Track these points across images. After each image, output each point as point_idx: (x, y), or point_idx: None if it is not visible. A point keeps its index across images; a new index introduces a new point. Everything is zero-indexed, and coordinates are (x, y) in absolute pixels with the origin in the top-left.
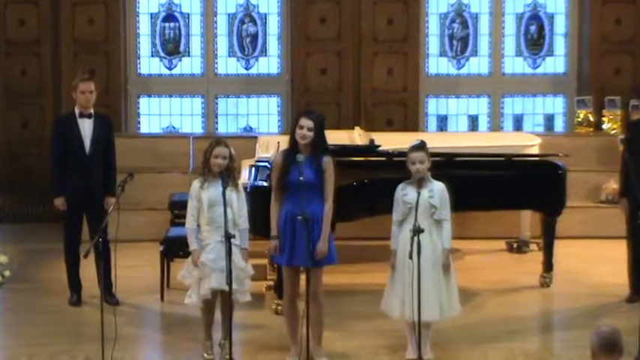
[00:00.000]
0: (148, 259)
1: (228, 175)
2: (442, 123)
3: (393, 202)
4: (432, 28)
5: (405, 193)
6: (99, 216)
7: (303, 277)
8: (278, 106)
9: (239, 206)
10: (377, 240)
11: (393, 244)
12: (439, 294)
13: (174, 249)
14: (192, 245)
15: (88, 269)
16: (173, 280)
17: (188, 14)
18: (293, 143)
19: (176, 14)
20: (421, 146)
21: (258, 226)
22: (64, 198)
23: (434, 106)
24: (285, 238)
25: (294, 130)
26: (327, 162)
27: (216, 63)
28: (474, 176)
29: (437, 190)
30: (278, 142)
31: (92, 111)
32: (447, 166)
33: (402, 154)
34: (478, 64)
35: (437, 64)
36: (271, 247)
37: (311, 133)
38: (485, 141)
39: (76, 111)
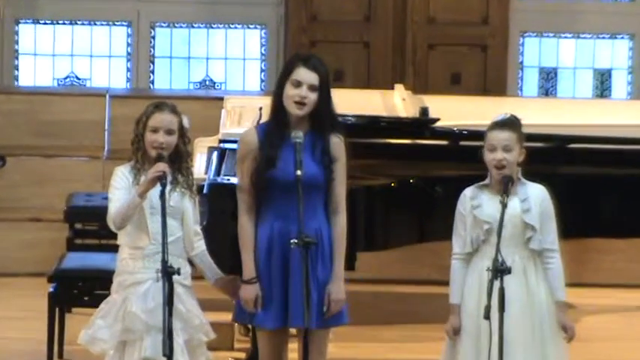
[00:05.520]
0: (27, 307)
1: (177, 166)
2: (548, 81)
3: (454, 220)
4: None
5: (479, 203)
6: None
7: (292, 345)
8: (262, 45)
9: (195, 219)
10: (419, 285)
11: (455, 294)
12: None
13: (74, 290)
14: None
15: None
16: (70, 345)
17: None
18: (279, 112)
19: None
20: (508, 122)
21: (221, 254)
22: None
23: (534, 51)
24: (272, 280)
25: (283, 90)
26: (339, 145)
27: None
28: (601, 177)
29: (534, 198)
30: (260, 109)
31: None
32: (554, 158)
33: (475, 134)
34: None
35: None
36: (247, 297)
37: (314, 96)
38: (623, 116)
39: None
